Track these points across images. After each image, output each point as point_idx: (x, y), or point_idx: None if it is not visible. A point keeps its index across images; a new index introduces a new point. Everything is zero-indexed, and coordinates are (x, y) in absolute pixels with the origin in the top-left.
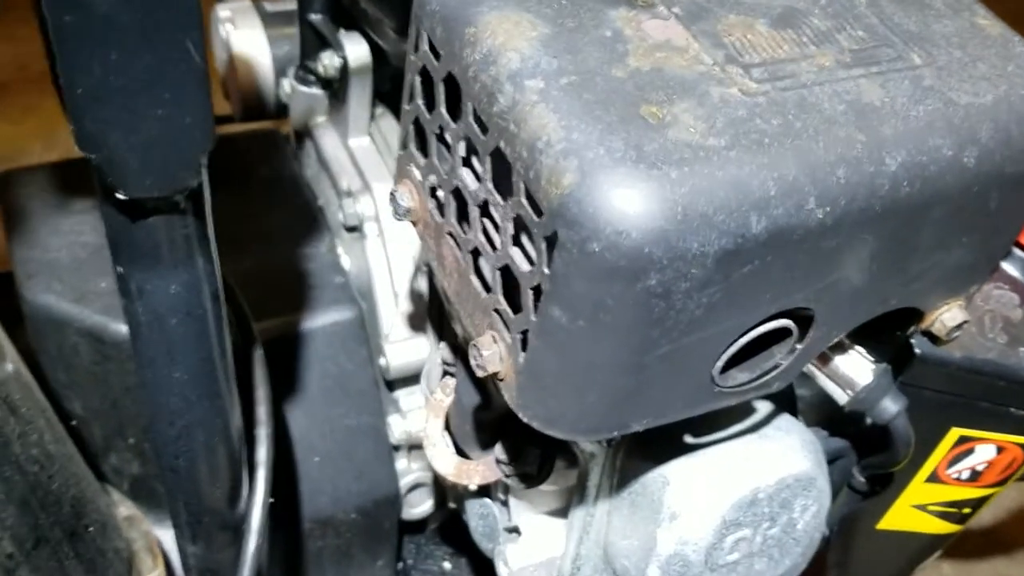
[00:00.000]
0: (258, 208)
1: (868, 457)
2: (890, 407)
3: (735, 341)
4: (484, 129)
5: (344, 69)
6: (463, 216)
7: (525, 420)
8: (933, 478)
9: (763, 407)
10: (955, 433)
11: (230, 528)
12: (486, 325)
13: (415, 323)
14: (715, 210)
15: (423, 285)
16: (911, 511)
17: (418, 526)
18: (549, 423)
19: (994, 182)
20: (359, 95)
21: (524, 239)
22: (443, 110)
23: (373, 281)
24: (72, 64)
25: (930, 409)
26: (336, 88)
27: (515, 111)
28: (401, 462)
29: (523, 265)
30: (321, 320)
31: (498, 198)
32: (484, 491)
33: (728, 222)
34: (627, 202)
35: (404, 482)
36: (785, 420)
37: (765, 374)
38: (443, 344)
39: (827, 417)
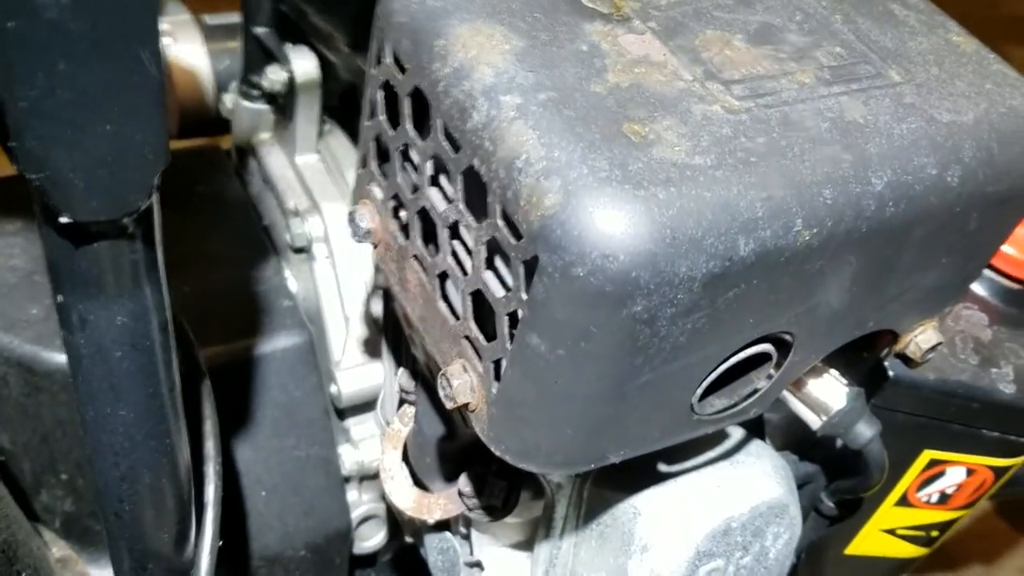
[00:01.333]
0: (198, 229)
1: (837, 481)
2: (865, 432)
3: (716, 368)
4: (456, 147)
5: (291, 84)
6: (430, 238)
7: (498, 454)
8: (903, 502)
9: (733, 433)
10: (926, 456)
11: (177, 573)
12: (455, 353)
13: (368, 348)
14: (704, 232)
15: (377, 308)
16: (880, 535)
17: (369, 559)
18: (523, 456)
19: (976, 202)
20: (307, 111)
21: (498, 262)
22: (409, 126)
23: (322, 304)
24: (14, 75)
25: (902, 432)
26: (282, 103)
27: (491, 128)
28: (352, 493)
29: (497, 290)
30: (268, 346)
31: (470, 219)
32: (444, 524)
33: (716, 245)
34: (614, 224)
35: (355, 514)
36: (756, 446)
37: (743, 400)
38: (401, 371)
39: (795, 440)
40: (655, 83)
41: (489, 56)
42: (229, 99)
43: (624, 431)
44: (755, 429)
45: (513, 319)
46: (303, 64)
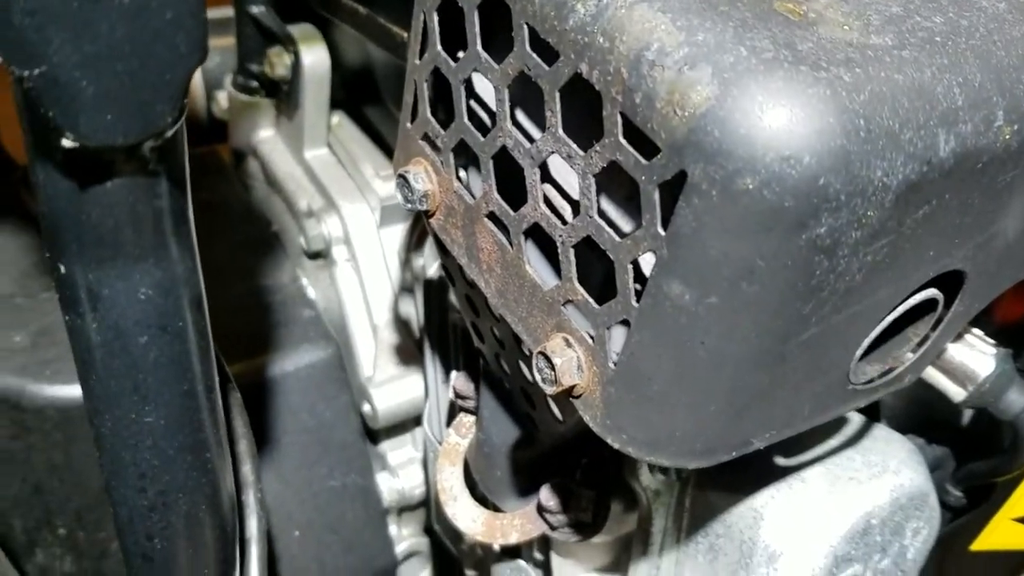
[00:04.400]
0: (199, 239)
1: (968, 465)
2: (1018, 399)
3: (883, 319)
4: (551, 56)
5: (296, 66)
6: (510, 189)
7: (616, 446)
8: None
9: (852, 417)
10: None
11: None
12: (552, 326)
13: (403, 358)
14: (901, 125)
15: (410, 310)
16: (1011, 526)
17: None
18: (651, 447)
19: None
20: (315, 96)
21: (604, 202)
22: (479, 47)
23: (346, 313)
24: None
25: None
26: (286, 91)
27: (604, 18)
28: (391, 528)
29: (614, 234)
30: (291, 362)
31: (575, 148)
32: (515, 551)
33: (915, 141)
34: (793, 115)
35: (396, 551)
36: (881, 430)
37: (897, 364)
38: (456, 374)
39: (915, 423)
40: None
41: None
42: (223, 97)
43: (773, 407)
44: (872, 413)
45: (637, 269)
46: (309, 42)
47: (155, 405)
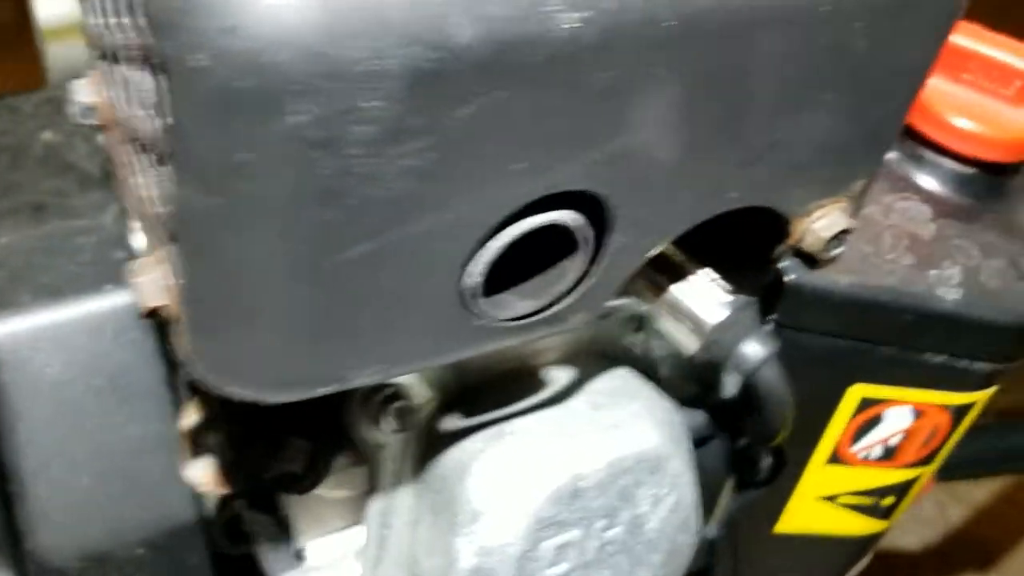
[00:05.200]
0: (30, 178)
1: (744, 435)
2: (754, 352)
3: (485, 241)
4: None
5: None
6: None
7: (197, 376)
8: (836, 459)
9: (604, 368)
10: (856, 393)
11: None
12: (154, 243)
13: None
14: (390, 3)
15: None
16: (817, 505)
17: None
18: (227, 375)
19: (855, 4)
20: None
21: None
22: None
23: None
24: None
25: (819, 361)
26: None
27: None
28: None
29: (148, 126)
30: (88, 305)
31: (133, 36)
32: (271, 508)
33: (412, 23)
34: None
35: (208, 507)
36: (628, 383)
37: (554, 302)
38: None
39: (696, 389)
40: None
41: None
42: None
43: (361, 336)
44: (649, 369)
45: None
46: None
47: None
